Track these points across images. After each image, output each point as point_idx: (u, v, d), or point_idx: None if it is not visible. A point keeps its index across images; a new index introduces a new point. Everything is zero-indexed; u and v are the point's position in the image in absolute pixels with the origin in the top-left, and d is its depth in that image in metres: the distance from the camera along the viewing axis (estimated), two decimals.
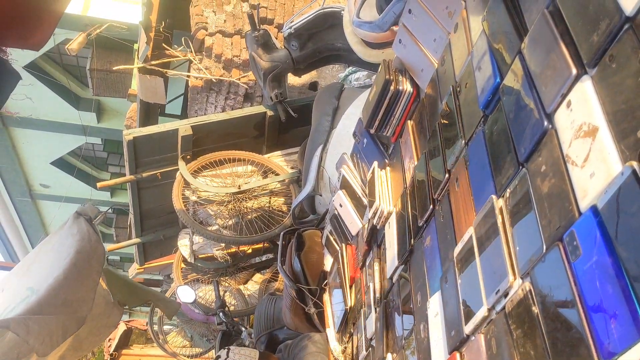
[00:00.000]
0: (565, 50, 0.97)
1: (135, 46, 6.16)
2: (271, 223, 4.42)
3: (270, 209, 4.51)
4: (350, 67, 4.28)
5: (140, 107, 5.49)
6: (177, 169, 4.39)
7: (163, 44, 5.54)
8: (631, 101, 0.81)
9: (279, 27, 5.39)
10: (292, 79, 5.40)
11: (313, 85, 5.69)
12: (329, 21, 3.71)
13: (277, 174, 4.48)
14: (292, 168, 4.53)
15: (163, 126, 4.45)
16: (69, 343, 2.75)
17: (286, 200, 4.52)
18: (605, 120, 0.85)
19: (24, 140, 11.21)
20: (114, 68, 6.02)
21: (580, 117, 0.91)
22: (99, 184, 4.84)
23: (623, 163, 0.80)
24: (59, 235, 2.85)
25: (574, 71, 0.94)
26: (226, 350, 2.72)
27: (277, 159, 4.61)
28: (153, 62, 5.31)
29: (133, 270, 6.84)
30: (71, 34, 7.41)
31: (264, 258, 5.01)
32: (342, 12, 3.32)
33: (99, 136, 11.56)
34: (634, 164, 0.78)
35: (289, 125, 4.73)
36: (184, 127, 4.39)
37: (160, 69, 5.28)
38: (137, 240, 5.25)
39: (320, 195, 3.39)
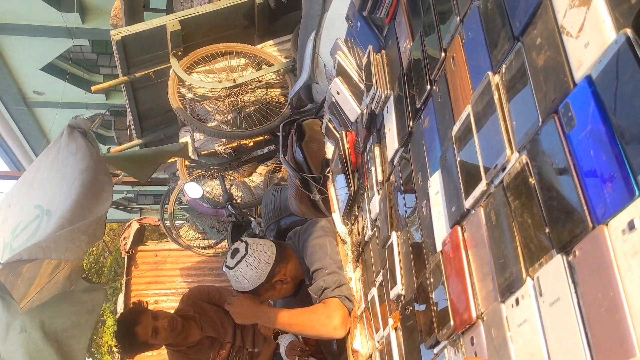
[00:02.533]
0: None
1: None
2: (270, 115, 4.42)
3: (268, 100, 4.48)
4: None
5: (124, 3, 5.29)
6: (170, 67, 4.32)
7: None
8: None
9: None
10: None
11: None
12: None
13: (272, 65, 4.40)
14: (285, 58, 4.44)
15: (150, 23, 4.31)
16: None
17: (283, 90, 4.48)
18: None
19: (9, 48, 10.90)
20: None
21: None
22: (93, 88, 4.77)
23: (617, 31, 0.80)
24: (56, 151, 2.79)
25: None
26: (244, 244, 2.55)
27: (270, 49, 4.51)
28: None
29: None
30: None
31: (265, 150, 5.06)
32: None
33: (86, 37, 11.22)
34: (628, 31, 0.77)
35: (280, 12, 4.57)
36: (171, 22, 4.26)
37: None
38: (139, 141, 5.27)
39: (317, 83, 3.35)
